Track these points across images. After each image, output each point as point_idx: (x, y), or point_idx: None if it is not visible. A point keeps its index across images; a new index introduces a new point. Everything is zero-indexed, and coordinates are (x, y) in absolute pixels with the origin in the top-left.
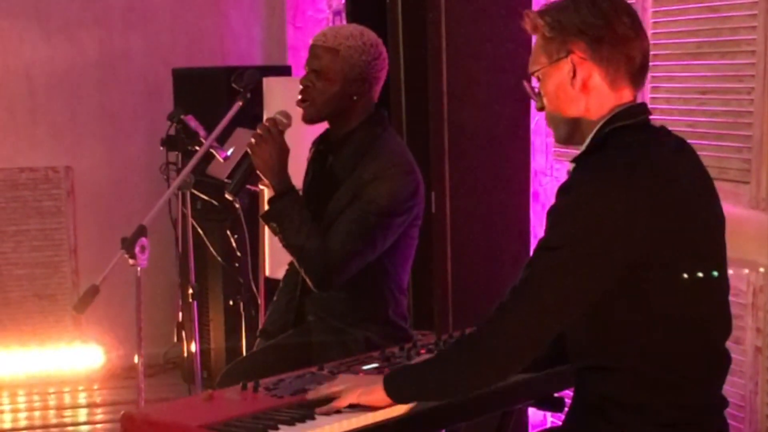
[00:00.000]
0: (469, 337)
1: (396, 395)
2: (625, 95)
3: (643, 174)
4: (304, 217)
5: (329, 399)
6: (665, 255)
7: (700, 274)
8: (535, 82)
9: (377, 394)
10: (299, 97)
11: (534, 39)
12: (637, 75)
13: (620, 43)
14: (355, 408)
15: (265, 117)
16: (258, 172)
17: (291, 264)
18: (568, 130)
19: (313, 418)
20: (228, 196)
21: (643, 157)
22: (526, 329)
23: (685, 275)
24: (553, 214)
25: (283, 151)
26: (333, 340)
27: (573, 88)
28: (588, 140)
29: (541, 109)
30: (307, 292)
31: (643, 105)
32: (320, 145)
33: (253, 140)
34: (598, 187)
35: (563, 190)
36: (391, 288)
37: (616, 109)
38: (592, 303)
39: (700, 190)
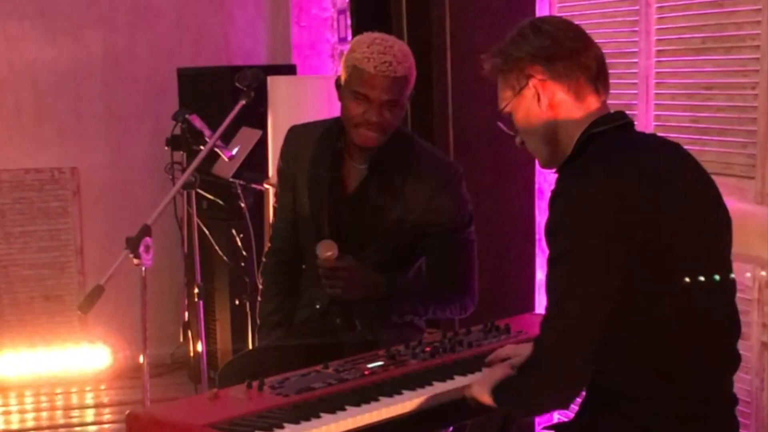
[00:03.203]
0: (525, 363)
1: (499, 401)
2: (592, 103)
3: (629, 170)
4: (416, 285)
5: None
6: (663, 246)
7: (702, 270)
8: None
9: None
10: (371, 131)
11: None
12: (597, 81)
13: (572, 56)
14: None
15: (270, 115)
16: (363, 300)
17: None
18: (550, 151)
19: (318, 417)
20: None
21: (625, 153)
22: (563, 345)
23: (685, 266)
24: (549, 227)
25: (357, 270)
26: (356, 342)
27: (541, 110)
28: (570, 148)
29: (521, 143)
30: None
31: (621, 112)
32: (331, 152)
33: (335, 290)
34: (584, 189)
35: (552, 200)
36: None
37: (590, 118)
38: (614, 298)
39: (695, 186)
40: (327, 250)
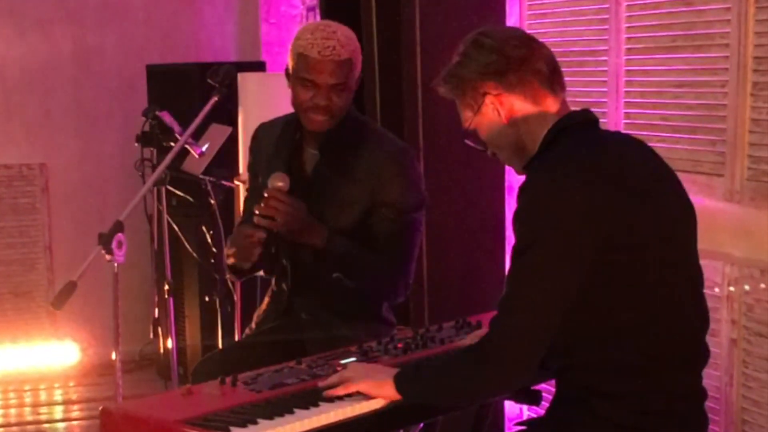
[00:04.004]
0: (472, 349)
1: (405, 393)
2: (552, 105)
3: (593, 161)
4: (355, 249)
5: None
6: (629, 239)
7: (668, 265)
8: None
9: (387, 389)
10: (319, 115)
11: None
12: (552, 82)
13: (521, 65)
14: (359, 397)
15: (240, 112)
16: (292, 238)
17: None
18: (521, 158)
19: (291, 413)
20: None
21: (590, 150)
22: (521, 335)
23: (652, 259)
24: (516, 218)
25: (300, 208)
26: (323, 337)
27: (504, 122)
28: (536, 148)
29: (493, 155)
30: (298, 291)
31: (586, 110)
32: (290, 142)
33: (266, 218)
34: (549, 184)
35: (520, 193)
36: None
37: (553, 118)
38: (574, 292)
39: (659, 181)
40: (278, 181)
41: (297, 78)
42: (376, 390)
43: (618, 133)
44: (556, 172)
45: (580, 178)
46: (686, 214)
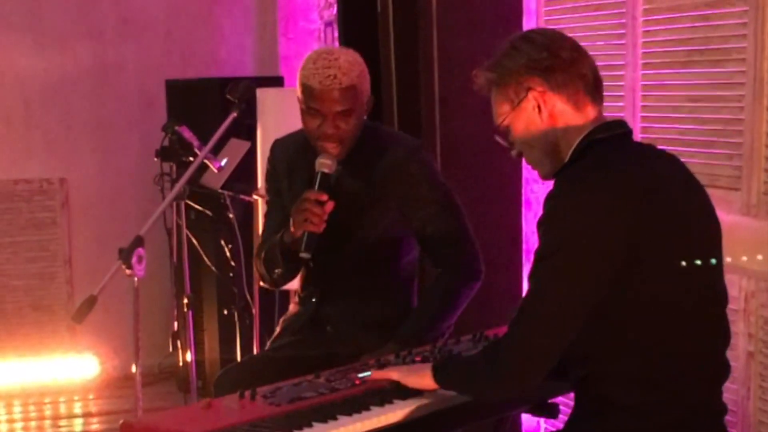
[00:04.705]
0: (490, 347)
1: (442, 381)
2: (590, 113)
3: (624, 175)
4: (425, 316)
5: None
6: (655, 252)
7: (693, 275)
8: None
9: (425, 379)
10: (329, 143)
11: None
12: (594, 91)
13: (570, 66)
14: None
15: (258, 127)
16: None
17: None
18: (550, 162)
19: (310, 426)
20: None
21: (621, 164)
22: (537, 342)
23: (677, 274)
24: (541, 224)
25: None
26: (348, 352)
27: (542, 121)
28: (568, 155)
29: (519, 155)
30: (326, 297)
31: (621, 121)
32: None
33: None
34: (578, 196)
35: (548, 200)
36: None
37: (590, 125)
38: (593, 303)
39: (688, 194)
40: (326, 160)
41: (304, 107)
42: (413, 378)
43: (651, 147)
44: (587, 183)
45: (610, 190)
46: (713, 230)
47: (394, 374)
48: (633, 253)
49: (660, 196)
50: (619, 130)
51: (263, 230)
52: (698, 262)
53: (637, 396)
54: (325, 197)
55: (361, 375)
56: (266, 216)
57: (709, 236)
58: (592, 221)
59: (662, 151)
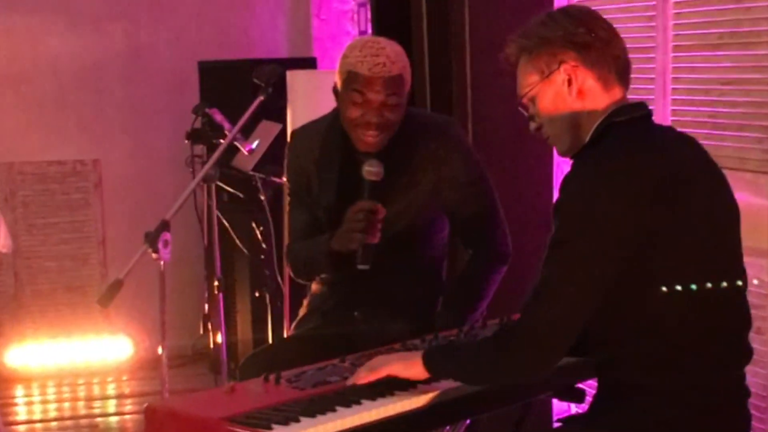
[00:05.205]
0: (502, 333)
1: (433, 370)
2: (617, 94)
3: (642, 159)
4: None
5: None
6: (672, 236)
7: (710, 257)
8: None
9: (416, 368)
10: (371, 131)
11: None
12: (624, 73)
13: (605, 45)
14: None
15: (289, 109)
16: None
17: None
18: (570, 138)
19: (334, 410)
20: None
21: (639, 148)
22: (551, 325)
23: (694, 257)
24: (557, 209)
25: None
26: (373, 336)
27: (570, 96)
28: (588, 136)
29: (537, 129)
30: (356, 283)
31: (642, 103)
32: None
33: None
34: (595, 180)
35: (565, 184)
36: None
37: (613, 107)
38: (610, 288)
39: (706, 177)
40: (373, 167)
41: (347, 95)
42: (405, 370)
43: (670, 129)
44: (604, 167)
45: (627, 175)
46: (731, 213)
47: (387, 370)
48: (650, 237)
49: (677, 178)
50: (638, 112)
51: (290, 229)
52: (715, 244)
53: (658, 379)
54: (378, 206)
55: None
56: (290, 214)
57: (727, 219)
58: (610, 208)
59: (681, 133)
